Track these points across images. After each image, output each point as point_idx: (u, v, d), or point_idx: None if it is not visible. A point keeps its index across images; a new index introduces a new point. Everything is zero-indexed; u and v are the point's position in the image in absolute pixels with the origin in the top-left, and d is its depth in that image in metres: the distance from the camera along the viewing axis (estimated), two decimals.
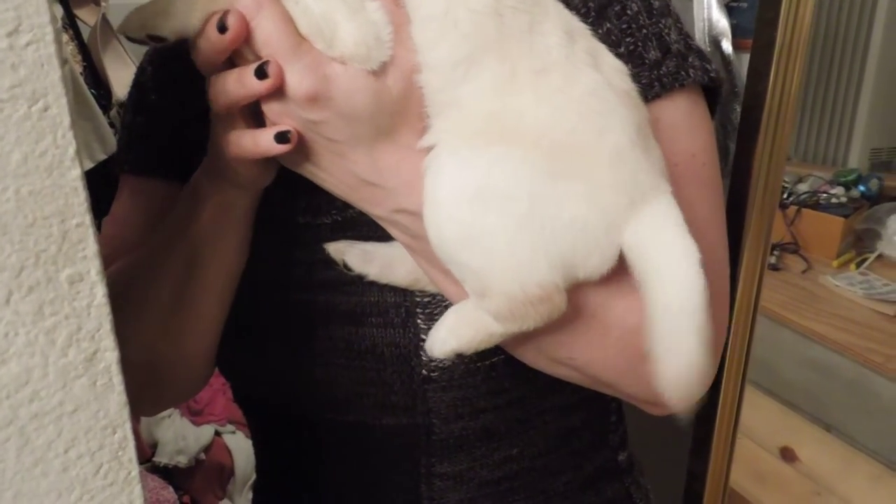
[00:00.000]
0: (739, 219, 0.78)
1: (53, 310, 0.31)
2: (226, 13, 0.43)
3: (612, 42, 0.52)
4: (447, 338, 0.48)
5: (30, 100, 0.29)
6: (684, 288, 0.43)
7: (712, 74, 0.55)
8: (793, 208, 1.96)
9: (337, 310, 0.58)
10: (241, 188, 0.53)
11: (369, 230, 0.52)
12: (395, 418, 0.58)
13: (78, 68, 1.44)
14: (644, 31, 0.54)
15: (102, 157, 1.42)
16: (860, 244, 1.90)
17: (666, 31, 0.54)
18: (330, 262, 0.56)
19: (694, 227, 0.46)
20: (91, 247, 0.32)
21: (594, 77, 0.45)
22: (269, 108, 0.46)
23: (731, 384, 0.90)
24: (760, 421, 1.78)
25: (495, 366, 0.56)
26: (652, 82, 0.53)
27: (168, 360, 0.58)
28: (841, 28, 2.31)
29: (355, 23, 0.44)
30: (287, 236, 0.59)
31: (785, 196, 2.04)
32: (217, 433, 1.81)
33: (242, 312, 0.59)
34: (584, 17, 0.51)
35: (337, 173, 0.48)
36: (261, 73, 0.43)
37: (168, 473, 1.72)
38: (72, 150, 0.30)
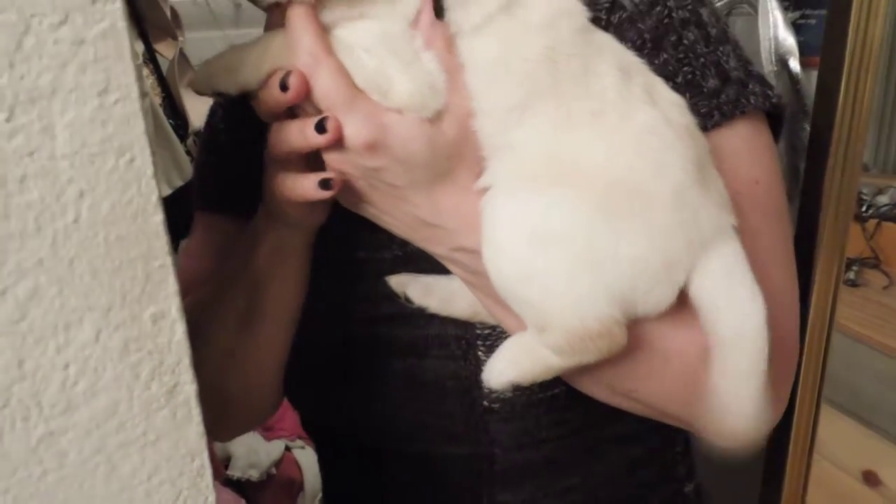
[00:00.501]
0: (812, 234, 0.75)
1: (138, 346, 0.33)
2: (287, 73, 0.45)
3: (670, 72, 0.52)
4: (505, 369, 0.49)
5: (117, 153, 0.31)
6: (748, 346, 0.44)
7: (774, 100, 0.54)
8: (872, 222, 1.88)
9: (399, 342, 0.59)
10: (293, 227, 0.55)
11: (429, 264, 0.53)
12: (457, 448, 0.59)
13: (157, 100, 1.51)
14: (702, 59, 0.53)
15: (179, 183, 1.48)
16: None
17: (724, 58, 0.54)
18: (391, 295, 0.57)
19: (758, 257, 0.47)
20: (172, 286, 0.34)
21: (651, 113, 0.46)
22: (330, 157, 0.48)
23: (807, 404, 0.87)
24: (841, 443, 1.71)
25: (557, 397, 0.56)
26: (712, 111, 0.52)
27: (234, 388, 0.60)
28: None
29: (409, 74, 0.45)
30: (348, 272, 0.60)
31: (864, 209, 1.96)
32: (287, 448, 1.86)
33: (306, 346, 0.61)
34: (640, 49, 0.52)
35: (398, 215, 0.50)
36: (320, 128, 0.45)
37: (241, 487, 1.77)
38: (154, 197, 0.33)
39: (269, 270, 0.57)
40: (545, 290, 0.45)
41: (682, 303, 0.46)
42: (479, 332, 0.56)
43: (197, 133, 1.55)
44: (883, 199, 2.02)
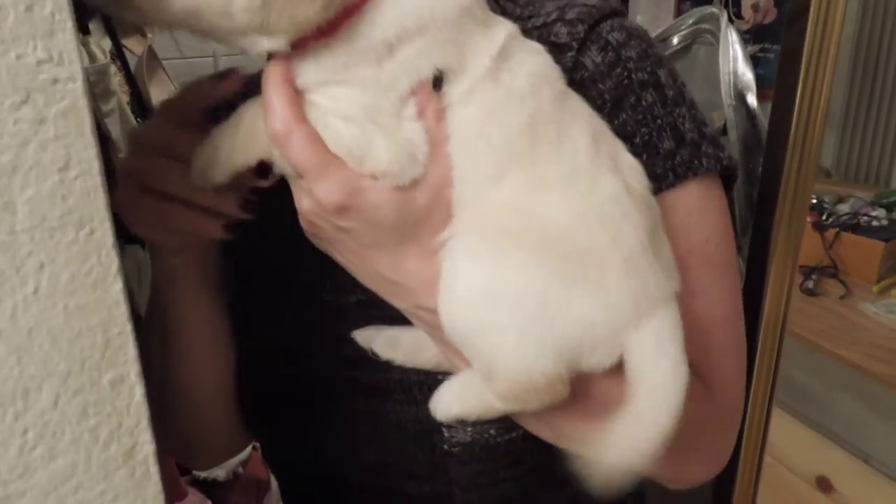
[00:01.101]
0: (766, 241, 0.76)
1: (97, 410, 0.34)
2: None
3: (629, 133, 0.54)
4: (452, 403, 0.51)
5: (77, 226, 0.32)
6: (662, 407, 0.46)
7: (725, 162, 0.56)
8: (832, 231, 1.93)
9: (362, 384, 0.60)
10: (171, 254, 0.57)
11: (392, 309, 0.54)
12: (418, 486, 0.60)
13: (125, 98, 1.49)
14: (659, 121, 0.55)
15: None
16: None
17: (680, 120, 0.56)
18: (354, 339, 0.58)
19: (705, 316, 0.50)
20: (131, 351, 0.34)
21: (614, 183, 0.47)
22: (302, 208, 0.48)
23: (758, 408, 0.89)
24: (797, 449, 1.76)
25: (514, 441, 0.58)
26: (667, 172, 0.54)
27: (183, 421, 0.61)
28: (884, 44, 2.26)
29: (389, 143, 0.45)
30: (312, 312, 0.61)
31: (825, 217, 2.01)
32: (254, 448, 1.86)
33: (270, 383, 0.62)
34: (600, 109, 0.53)
35: (361, 269, 0.51)
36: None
37: (207, 486, 1.77)
38: (115, 266, 0.33)
39: (164, 293, 0.58)
40: (496, 343, 0.46)
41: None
42: (440, 378, 0.57)
43: None
44: (843, 208, 2.06)
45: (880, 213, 1.97)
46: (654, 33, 0.85)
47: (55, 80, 0.30)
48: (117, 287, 0.33)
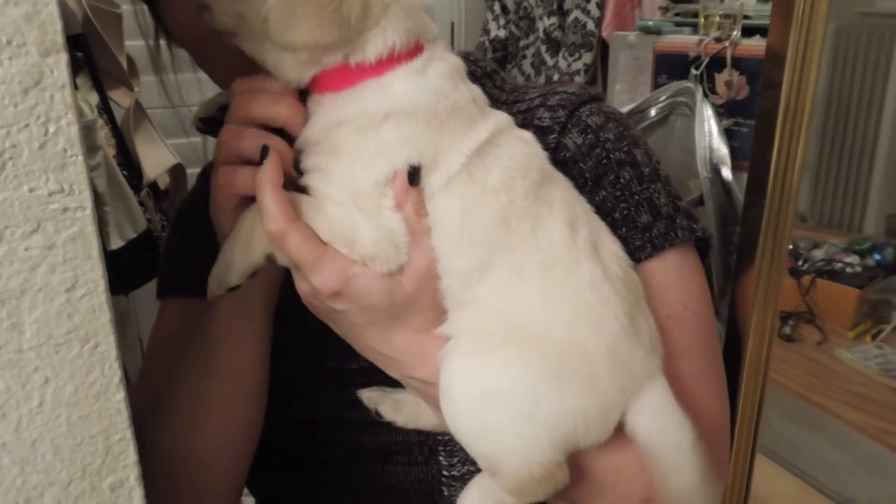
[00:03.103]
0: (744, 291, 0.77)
1: None
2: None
3: (608, 208, 0.57)
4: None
5: (83, 341, 0.33)
6: (688, 465, 0.51)
7: (699, 233, 0.60)
8: (808, 277, 1.97)
9: (363, 448, 0.62)
10: (254, 282, 0.57)
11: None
12: None
13: (111, 151, 1.50)
14: (636, 196, 0.59)
15: (132, 235, 1.48)
16: (876, 314, 1.90)
17: (656, 195, 0.59)
18: (357, 403, 0.60)
19: (689, 377, 0.54)
20: (131, 456, 0.36)
21: (592, 268, 0.50)
22: (302, 292, 0.52)
23: (741, 456, 0.90)
24: (779, 495, 1.77)
25: None
26: (645, 244, 0.58)
27: (194, 461, 0.61)
28: (854, 95, 2.33)
29: (372, 229, 0.49)
30: (316, 377, 0.63)
31: (800, 263, 2.05)
32: None
33: (273, 444, 0.63)
34: (581, 187, 0.56)
35: (357, 342, 0.54)
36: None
37: None
38: (117, 378, 0.34)
39: (227, 325, 0.59)
40: (495, 443, 0.49)
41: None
42: (440, 437, 0.60)
43: (151, 184, 1.55)
44: (818, 254, 2.11)
45: (854, 259, 2.01)
46: (632, 104, 0.88)
47: (65, 209, 0.31)
48: (119, 396, 0.35)
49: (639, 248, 0.57)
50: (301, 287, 0.51)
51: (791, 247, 2.12)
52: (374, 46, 0.49)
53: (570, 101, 0.62)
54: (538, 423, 0.48)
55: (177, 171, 1.62)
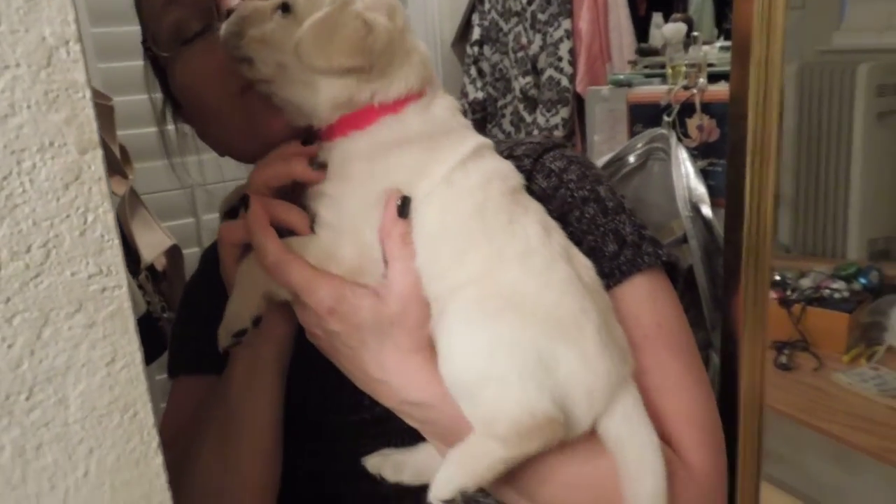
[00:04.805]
0: (734, 320, 0.80)
1: None
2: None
3: (576, 240, 0.62)
4: (453, 475, 0.54)
5: (122, 410, 0.36)
6: (649, 469, 0.54)
7: (664, 258, 0.64)
8: (798, 306, 2.00)
9: (373, 497, 0.65)
10: (267, 341, 0.62)
11: (395, 423, 0.60)
12: None
13: None
14: (601, 228, 0.64)
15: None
16: (867, 337, 1.93)
17: (621, 225, 0.64)
18: (370, 452, 0.63)
19: (668, 386, 0.59)
20: None
21: (567, 269, 0.55)
22: (302, 318, 0.59)
23: (748, 480, 0.91)
24: None
25: None
26: (613, 271, 0.62)
27: None
28: (823, 128, 2.42)
29: (355, 248, 0.57)
30: (328, 433, 0.68)
31: (789, 293, 2.09)
32: None
33: (288, 499, 0.65)
34: None
35: (356, 373, 0.59)
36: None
37: None
38: (155, 443, 0.37)
39: (244, 384, 0.63)
40: (498, 389, 0.52)
41: (593, 436, 0.55)
42: None
43: (148, 268, 1.57)
44: (806, 283, 2.15)
45: (840, 285, 2.05)
46: (611, 153, 0.93)
47: (104, 289, 0.34)
48: (157, 461, 0.37)
49: (608, 275, 0.62)
50: (302, 317, 0.58)
51: (779, 278, 2.17)
52: (397, 88, 0.57)
53: (535, 149, 0.68)
54: (542, 374, 0.51)
55: (173, 253, 1.65)
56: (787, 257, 2.53)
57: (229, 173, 0.80)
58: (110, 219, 0.34)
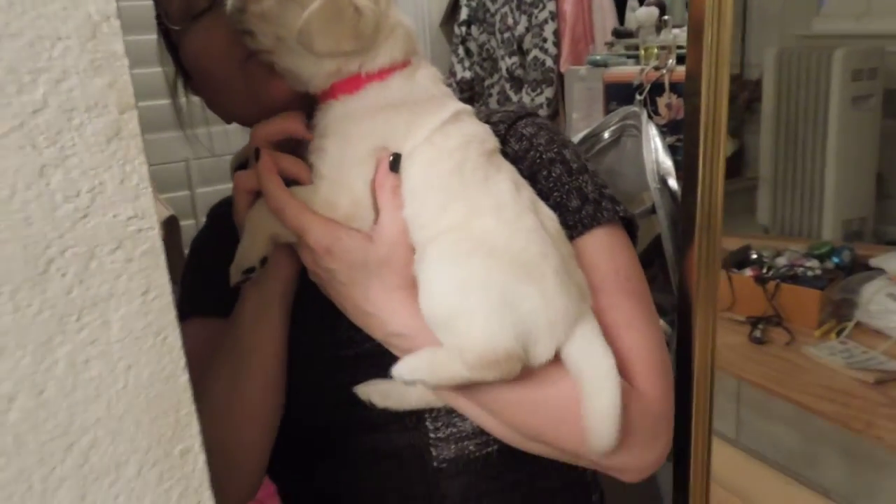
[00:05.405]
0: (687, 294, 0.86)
1: (170, 475, 0.44)
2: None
3: (543, 196, 0.69)
4: (419, 367, 0.62)
5: (155, 334, 0.42)
6: (605, 388, 0.61)
7: (622, 214, 0.72)
8: (773, 283, 2.08)
9: (365, 421, 0.73)
10: (273, 279, 0.70)
11: (386, 359, 0.67)
12: None
13: None
14: (566, 186, 0.71)
15: None
16: (838, 313, 2.01)
17: (584, 184, 0.72)
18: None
19: (620, 323, 0.66)
20: (195, 427, 0.45)
21: (534, 220, 0.63)
22: (304, 257, 0.67)
23: (700, 443, 0.97)
24: (761, 492, 1.86)
25: (490, 455, 0.72)
26: (576, 223, 0.70)
27: (229, 444, 0.70)
28: (801, 112, 2.49)
29: (349, 196, 0.65)
30: (329, 365, 0.75)
31: (765, 271, 2.17)
32: None
33: (291, 427, 0.73)
34: None
35: (348, 307, 0.67)
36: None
37: None
38: (182, 363, 0.43)
39: (253, 318, 0.70)
40: (467, 323, 0.60)
41: (557, 363, 0.62)
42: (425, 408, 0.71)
43: None
44: (781, 261, 2.23)
45: (814, 263, 2.14)
46: (588, 129, 1.00)
47: (139, 230, 0.41)
48: (184, 378, 0.44)
49: (570, 227, 0.69)
50: (304, 257, 0.65)
51: (755, 256, 2.25)
52: (382, 60, 0.64)
53: (509, 117, 0.76)
54: (505, 312, 0.59)
55: (171, 223, 1.70)
56: (765, 237, 2.61)
57: (219, 148, 0.89)
58: (144, 170, 0.40)
